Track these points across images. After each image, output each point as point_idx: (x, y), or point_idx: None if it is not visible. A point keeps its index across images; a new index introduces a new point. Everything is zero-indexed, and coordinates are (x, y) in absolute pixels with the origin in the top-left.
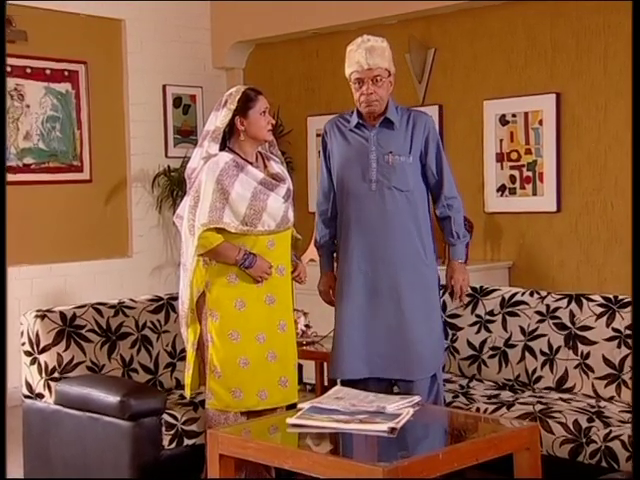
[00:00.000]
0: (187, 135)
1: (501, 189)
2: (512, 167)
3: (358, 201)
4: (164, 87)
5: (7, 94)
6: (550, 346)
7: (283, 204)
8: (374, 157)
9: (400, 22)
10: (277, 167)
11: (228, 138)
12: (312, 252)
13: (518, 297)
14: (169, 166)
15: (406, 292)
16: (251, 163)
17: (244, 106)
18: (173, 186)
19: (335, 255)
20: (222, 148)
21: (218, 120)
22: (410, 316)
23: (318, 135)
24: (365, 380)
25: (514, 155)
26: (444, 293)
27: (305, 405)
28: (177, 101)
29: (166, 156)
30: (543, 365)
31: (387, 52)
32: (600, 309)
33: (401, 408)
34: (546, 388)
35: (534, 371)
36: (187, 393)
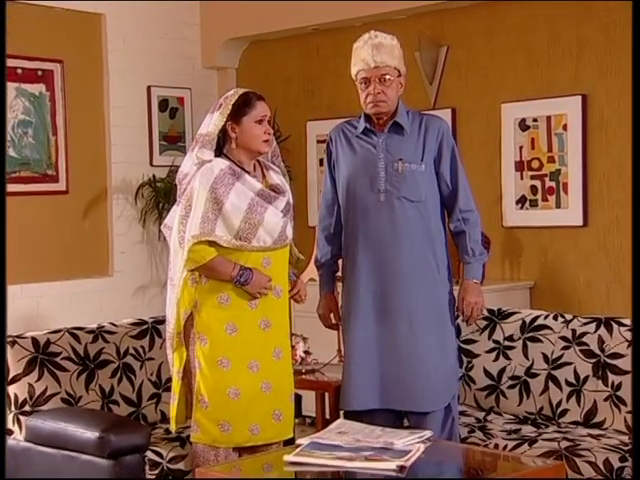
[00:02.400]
0: (174, 141)
1: (521, 201)
2: (533, 177)
3: (365, 213)
4: (149, 88)
5: None
6: (577, 376)
7: (282, 219)
8: (382, 165)
9: (409, 17)
10: (277, 178)
11: (223, 144)
12: (313, 270)
13: (540, 321)
14: (154, 176)
15: (418, 313)
16: (248, 172)
17: (238, 112)
18: (159, 198)
19: (337, 275)
20: (218, 155)
21: (211, 124)
22: (423, 340)
23: (319, 142)
24: (371, 412)
25: (535, 164)
26: (458, 316)
27: (304, 440)
28: (163, 104)
29: (151, 165)
30: (569, 397)
31: (397, 50)
32: (632, 334)
33: (411, 444)
34: (573, 423)
35: (559, 403)
36: (173, 427)
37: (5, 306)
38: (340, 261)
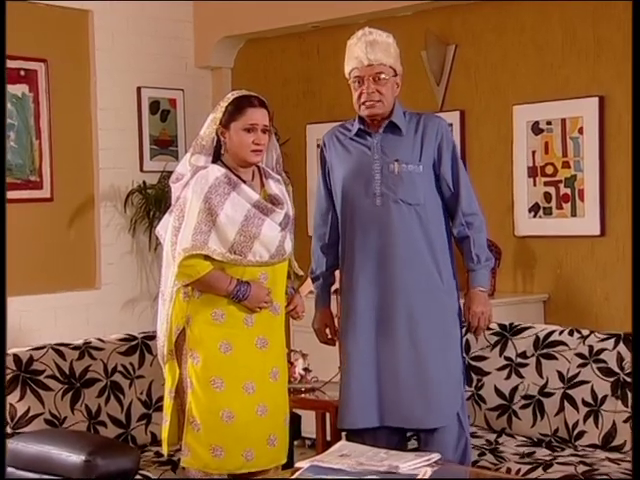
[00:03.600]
0: (166, 146)
1: (534, 209)
2: (547, 183)
3: (361, 220)
4: (139, 90)
5: None
6: (594, 395)
7: (279, 232)
8: (378, 167)
9: (416, 14)
10: (276, 188)
11: (220, 149)
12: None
13: (555, 336)
14: (144, 182)
15: (419, 324)
16: (245, 181)
17: (228, 117)
18: (149, 205)
19: (334, 288)
20: (215, 160)
21: (204, 128)
22: (424, 353)
23: (319, 146)
24: (375, 431)
25: (549, 169)
26: (466, 329)
27: (304, 464)
28: (154, 106)
29: (141, 170)
30: (586, 418)
31: (393, 48)
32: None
33: (417, 467)
34: (590, 445)
35: (575, 425)
36: (164, 450)
37: (5, 306)
38: (337, 273)
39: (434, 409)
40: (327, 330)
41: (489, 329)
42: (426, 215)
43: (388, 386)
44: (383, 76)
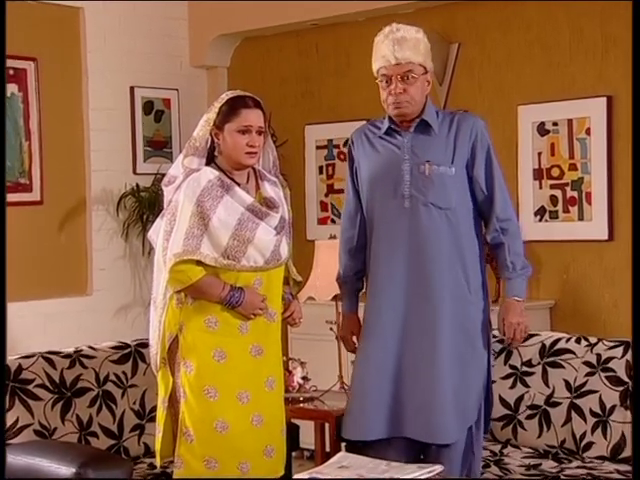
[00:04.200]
0: (160, 147)
1: (540, 212)
2: (553, 186)
3: (389, 222)
4: (132, 89)
5: None
6: (602, 405)
7: (275, 237)
8: (407, 168)
9: (417, 11)
10: (272, 190)
11: (214, 151)
12: (312, 289)
13: (562, 344)
14: (138, 185)
15: (443, 334)
16: (239, 184)
17: (222, 118)
18: (143, 209)
19: (360, 293)
20: (208, 162)
21: (197, 129)
22: (445, 362)
23: (318, 147)
24: (380, 443)
25: (556, 172)
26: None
27: (303, 476)
28: (148, 106)
29: (134, 173)
30: (594, 428)
31: (422, 44)
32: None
33: None
34: (598, 457)
35: (583, 436)
36: (158, 462)
37: (5, 307)
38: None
39: (444, 423)
40: (354, 338)
41: (493, 336)
42: (457, 220)
43: (404, 397)
44: (412, 75)
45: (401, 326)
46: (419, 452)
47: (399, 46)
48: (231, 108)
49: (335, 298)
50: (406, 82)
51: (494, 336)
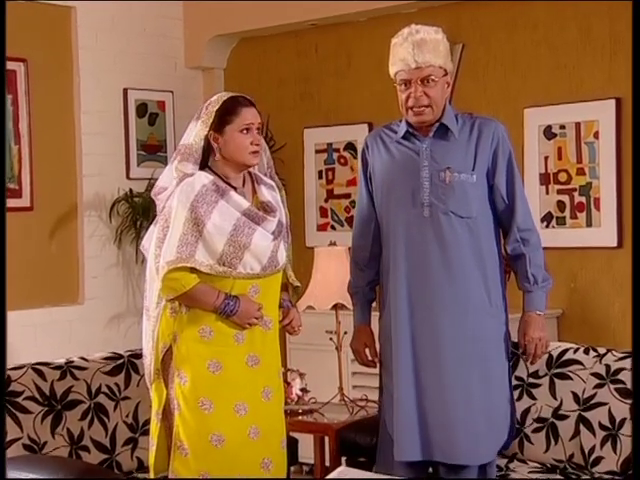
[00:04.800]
0: (154, 151)
1: (546, 219)
2: (560, 191)
3: (406, 231)
4: (125, 91)
5: None
6: (612, 418)
7: (272, 242)
8: (427, 175)
9: (420, 11)
10: (269, 194)
11: (207, 156)
12: (311, 297)
13: (569, 355)
14: (131, 190)
15: (465, 349)
16: (235, 188)
17: (221, 120)
18: (136, 215)
19: (373, 304)
20: (202, 168)
21: (192, 134)
22: (472, 380)
23: (317, 151)
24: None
25: (563, 176)
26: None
27: None
28: (141, 109)
29: (127, 177)
30: (603, 442)
31: (442, 46)
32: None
33: None
34: (608, 472)
35: (592, 450)
36: (151, 476)
37: (5, 311)
38: (377, 288)
39: (470, 443)
40: (367, 351)
41: (516, 348)
42: (477, 229)
43: (431, 416)
44: (432, 78)
45: (424, 343)
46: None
47: (419, 49)
48: (229, 109)
49: (335, 307)
50: (426, 86)
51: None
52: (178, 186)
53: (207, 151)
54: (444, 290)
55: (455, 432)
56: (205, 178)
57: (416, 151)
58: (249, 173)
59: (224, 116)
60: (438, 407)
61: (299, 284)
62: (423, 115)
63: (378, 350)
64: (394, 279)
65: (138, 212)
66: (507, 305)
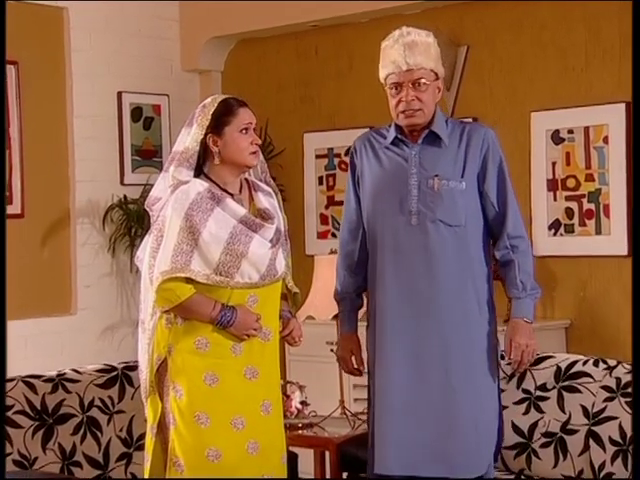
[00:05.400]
0: (149, 156)
1: (554, 226)
2: (569, 198)
3: (394, 239)
4: (119, 95)
5: None
6: (622, 432)
7: (270, 249)
8: (415, 182)
9: (424, 12)
10: (266, 201)
11: (203, 162)
12: (311, 307)
13: (578, 367)
14: (125, 196)
15: (455, 359)
16: (232, 195)
17: (218, 121)
18: (131, 222)
19: (360, 311)
20: (197, 174)
21: (188, 139)
22: (459, 392)
23: (317, 157)
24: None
25: (571, 182)
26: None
27: None
28: (136, 113)
29: (122, 183)
30: (614, 458)
31: (433, 49)
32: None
33: None
34: None
35: (602, 466)
36: None
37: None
38: (364, 295)
39: (467, 455)
40: (353, 359)
41: (502, 358)
42: (466, 237)
43: (424, 427)
44: (423, 81)
45: (411, 354)
46: None
47: (410, 51)
48: (227, 110)
49: (336, 317)
50: (417, 89)
51: (502, 357)
52: (172, 194)
53: (202, 157)
54: (432, 300)
55: (444, 445)
56: (200, 185)
57: (405, 158)
58: (246, 180)
59: (222, 117)
60: (425, 419)
61: (298, 290)
62: (414, 118)
63: (365, 359)
64: (381, 287)
65: (132, 219)
66: (495, 314)
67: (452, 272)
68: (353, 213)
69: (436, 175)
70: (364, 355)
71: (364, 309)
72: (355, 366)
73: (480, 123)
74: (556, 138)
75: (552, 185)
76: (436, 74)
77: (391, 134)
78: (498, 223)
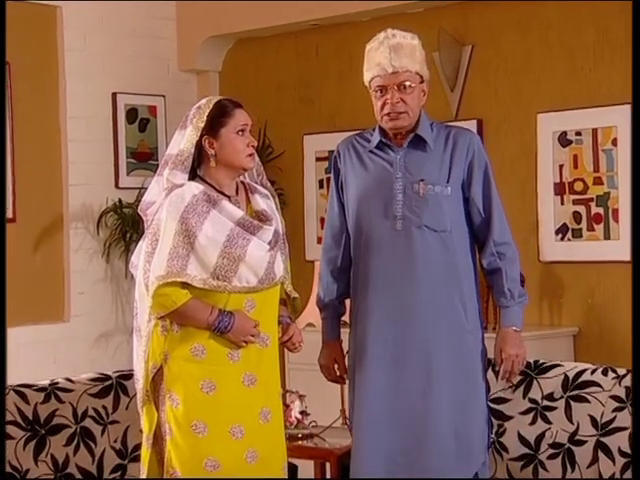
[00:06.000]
0: (145, 159)
1: (562, 231)
2: (576, 202)
3: (379, 245)
4: (114, 96)
5: None
6: (632, 444)
7: (268, 252)
8: (400, 187)
9: (427, 11)
10: (263, 203)
11: (198, 165)
12: (311, 314)
13: (587, 376)
14: (120, 200)
15: (439, 367)
16: (229, 197)
17: (214, 123)
18: (126, 227)
19: (343, 319)
20: (192, 177)
21: (182, 141)
22: (442, 399)
23: (318, 159)
24: None
25: (579, 186)
26: (489, 368)
27: None
28: (131, 114)
29: (116, 187)
30: (624, 470)
31: (419, 52)
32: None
33: None
34: None
35: (611, 478)
36: None
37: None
38: (347, 302)
39: (449, 464)
40: (336, 367)
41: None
42: (452, 243)
43: (398, 434)
44: (409, 84)
45: (392, 357)
46: None
47: (395, 53)
48: (222, 111)
49: None
50: (403, 92)
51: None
52: (167, 198)
53: (197, 160)
54: (416, 306)
55: (426, 454)
56: (195, 188)
57: (389, 162)
58: (242, 182)
59: (217, 119)
60: (408, 427)
61: (297, 295)
62: (399, 120)
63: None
64: (365, 293)
65: (127, 224)
66: (482, 322)
67: (438, 278)
68: (336, 219)
69: (421, 180)
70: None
71: (346, 316)
72: (338, 374)
73: (465, 127)
74: (563, 140)
75: (559, 189)
76: (421, 77)
77: (375, 138)
78: (484, 229)
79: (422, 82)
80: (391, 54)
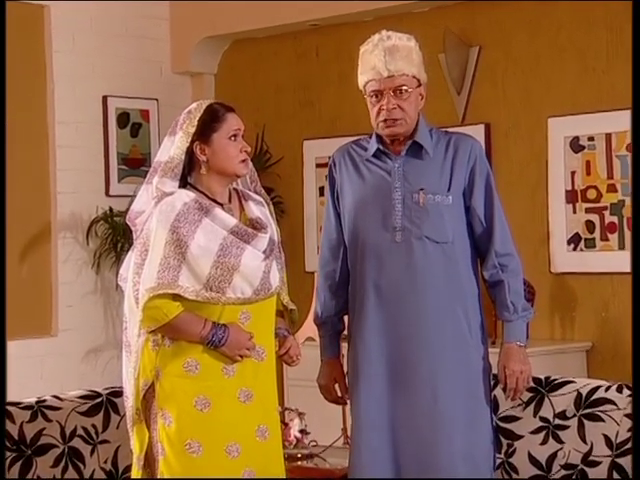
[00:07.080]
0: (137, 166)
1: (574, 241)
2: (589, 210)
3: (377, 257)
4: (105, 99)
5: None
6: None
7: (263, 261)
8: (399, 196)
9: (433, 10)
10: (258, 210)
11: (189, 172)
12: (311, 328)
13: (600, 393)
14: (111, 208)
15: (444, 384)
16: (221, 205)
17: (205, 128)
18: (116, 236)
19: (342, 335)
20: (183, 185)
21: (172, 148)
22: (448, 418)
23: (318, 165)
24: None
25: (592, 193)
26: (494, 386)
27: None
28: (123, 118)
29: (107, 195)
30: None
31: (415, 54)
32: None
33: None
34: None
35: None
36: None
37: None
38: (346, 317)
39: None
40: (336, 386)
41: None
42: (454, 255)
43: (402, 455)
44: (405, 88)
45: (394, 375)
46: None
47: (391, 56)
48: (214, 115)
49: None
50: (399, 97)
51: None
52: (157, 206)
53: (188, 166)
54: (418, 321)
55: (431, 475)
56: (186, 196)
57: (387, 171)
58: (235, 190)
59: (209, 123)
60: (412, 449)
61: (294, 307)
62: (396, 127)
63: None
64: (364, 310)
65: (119, 233)
66: (486, 336)
67: (440, 292)
68: (333, 231)
69: (421, 189)
70: None
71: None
72: (339, 394)
73: (465, 133)
74: (575, 146)
75: (571, 196)
76: (418, 80)
77: (372, 146)
78: (486, 240)
79: (419, 86)
80: (386, 57)
